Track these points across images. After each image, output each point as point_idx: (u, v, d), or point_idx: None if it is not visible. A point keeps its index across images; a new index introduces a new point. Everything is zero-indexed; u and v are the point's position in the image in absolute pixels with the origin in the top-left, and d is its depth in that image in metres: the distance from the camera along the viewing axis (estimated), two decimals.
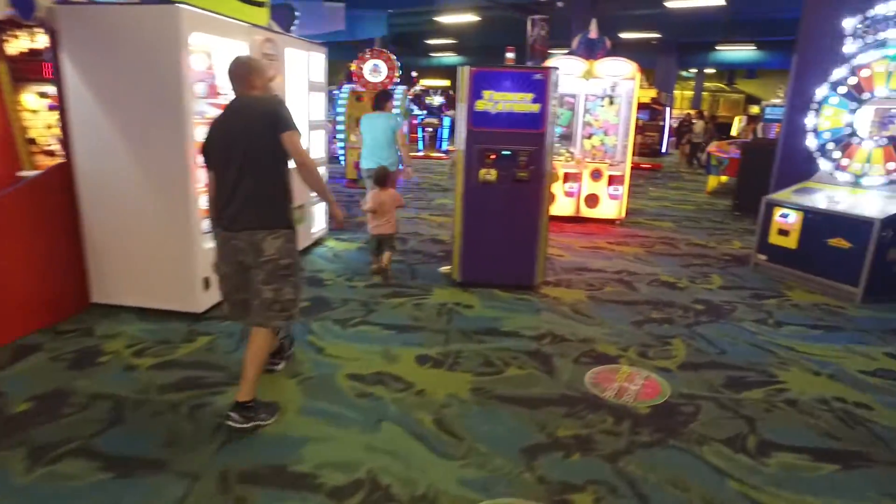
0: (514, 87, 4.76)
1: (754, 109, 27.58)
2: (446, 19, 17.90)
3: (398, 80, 12.00)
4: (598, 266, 6.05)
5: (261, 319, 2.91)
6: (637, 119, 17.10)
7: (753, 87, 30.58)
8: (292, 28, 8.40)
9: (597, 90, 8.07)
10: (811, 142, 6.03)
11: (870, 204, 5.37)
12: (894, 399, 3.46)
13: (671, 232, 7.92)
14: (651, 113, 16.88)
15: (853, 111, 5.69)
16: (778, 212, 5.80)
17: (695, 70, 28.54)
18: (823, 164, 5.94)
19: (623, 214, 8.12)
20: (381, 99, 6.33)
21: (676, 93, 30.61)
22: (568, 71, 7.81)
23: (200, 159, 3.10)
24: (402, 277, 5.48)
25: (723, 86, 32.14)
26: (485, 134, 4.84)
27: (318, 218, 6.80)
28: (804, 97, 6.22)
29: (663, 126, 16.36)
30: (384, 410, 3.14)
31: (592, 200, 8.06)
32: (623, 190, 7.99)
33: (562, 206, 8.14)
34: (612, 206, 8.06)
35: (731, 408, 3.27)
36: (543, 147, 4.86)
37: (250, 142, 2.76)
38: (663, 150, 16.38)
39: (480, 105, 4.80)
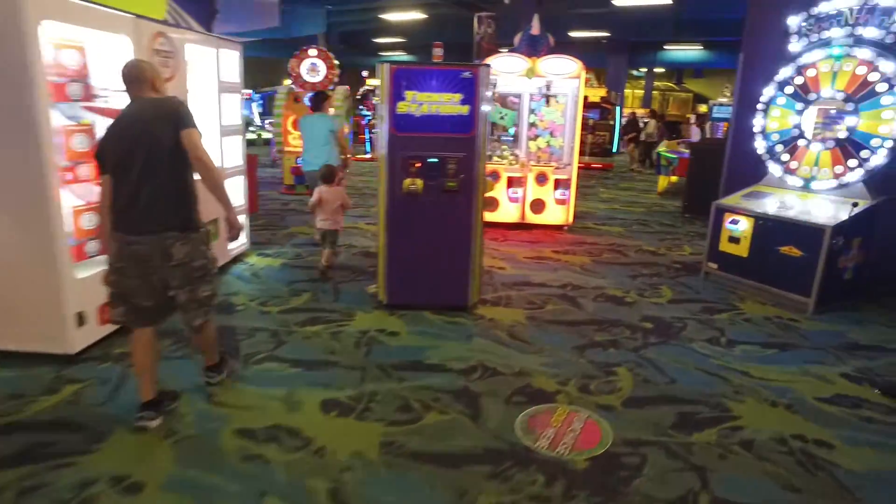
0: (440, 87, 4.25)
1: (702, 108, 27.97)
2: (392, 17, 17.33)
3: (336, 80, 11.38)
4: (541, 279, 5.61)
5: (188, 322, 2.98)
6: (588, 118, 17.09)
7: (701, 87, 31.06)
8: (214, 23, 7.72)
9: (542, 89, 7.66)
10: (760, 144, 5.74)
11: (820, 209, 5.08)
12: (854, 433, 3.11)
13: (620, 237, 7.57)
14: (601, 112, 16.71)
15: (800, 112, 5.41)
16: (728, 218, 5.48)
17: (645, 69, 28.73)
18: (773, 168, 5.65)
19: (571, 220, 7.73)
20: (318, 100, 6.38)
21: (628, 92, 30.81)
22: (510, 69, 7.38)
23: (87, 169, 3.12)
24: (323, 299, 4.92)
25: (672, 85, 32.54)
26: (408, 140, 4.33)
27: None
28: (751, 97, 5.93)
29: (614, 125, 16.19)
30: (270, 479, 2.59)
31: (538, 206, 7.65)
32: (570, 194, 7.61)
33: (506, 212, 7.71)
34: (558, 212, 7.66)
35: (682, 455, 2.84)
36: (474, 153, 4.37)
37: (152, 144, 2.70)
38: (614, 149, 16.22)
39: (403, 107, 4.27)
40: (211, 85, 5.24)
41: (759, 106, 5.71)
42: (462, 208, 4.46)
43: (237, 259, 5.95)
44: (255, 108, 20.47)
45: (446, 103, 4.27)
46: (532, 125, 8.17)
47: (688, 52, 23.68)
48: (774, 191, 5.59)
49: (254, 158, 9.38)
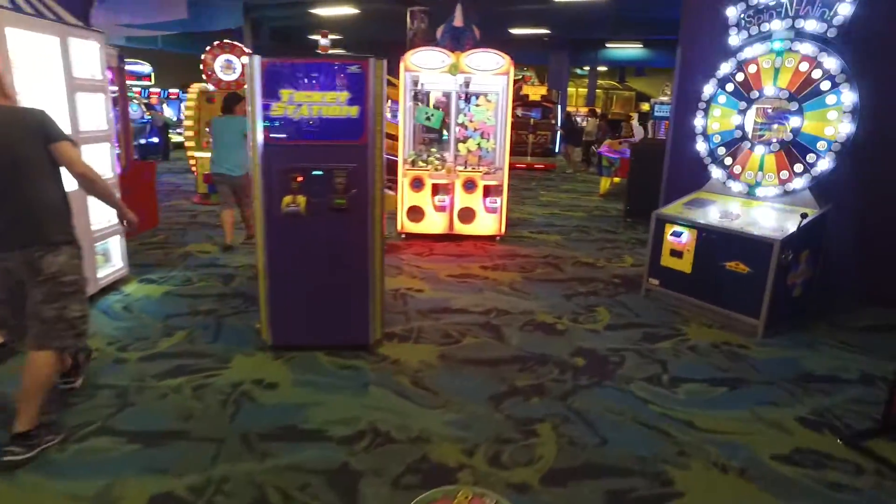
0: (322, 85, 3.49)
1: (645, 107, 28.07)
2: (322, 11, 16.39)
3: None
4: (462, 303, 4.91)
5: (42, 341, 2.70)
6: (530, 118, 16.62)
7: (644, 85, 31.21)
8: (92, 12, 6.72)
9: (470, 87, 6.98)
10: (701, 146, 5.21)
11: (766, 220, 4.57)
12: None
13: (558, 247, 6.97)
14: (543, 111, 16.26)
15: (742, 112, 4.89)
16: (669, 230, 4.91)
17: (588, 68, 28.62)
18: (715, 172, 5.12)
19: (503, 229, 7.08)
20: (231, 101, 6.19)
21: (572, 90, 30.70)
22: (431, 65, 6.66)
23: None
24: (201, 338, 4.09)
25: (615, 84, 32.62)
26: (286, 149, 3.55)
27: (112, 256, 5.25)
28: (691, 96, 5.40)
29: (556, 124, 15.75)
30: None
31: (467, 215, 6.97)
32: (501, 201, 6.95)
33: (432, 222, 7.00)
34: (489, 221, 7.00)
35: None
36: (367, 163, 3.62)
37: (15, 160, 2.57)
38: (556, 149, 15.78)
39: (278, 109, 3.49)
40: (56, 82, 4.31)
41: (700, 105, 5.18)
42: (355, 229, 3.71)
43: (109, 288, 5.02)
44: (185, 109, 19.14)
45: (331, 104, 3.51)
46: (461, 126, 7.51)
47: (629, 50, 23.60)
48: (718, 198, 5.07)
49: (151, 165, 8.38)
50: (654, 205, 8.76)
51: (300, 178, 3.57)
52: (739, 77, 4.90)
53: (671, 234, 4.86)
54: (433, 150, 7.70)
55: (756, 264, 4.33)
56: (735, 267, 4.45)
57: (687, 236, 4.77)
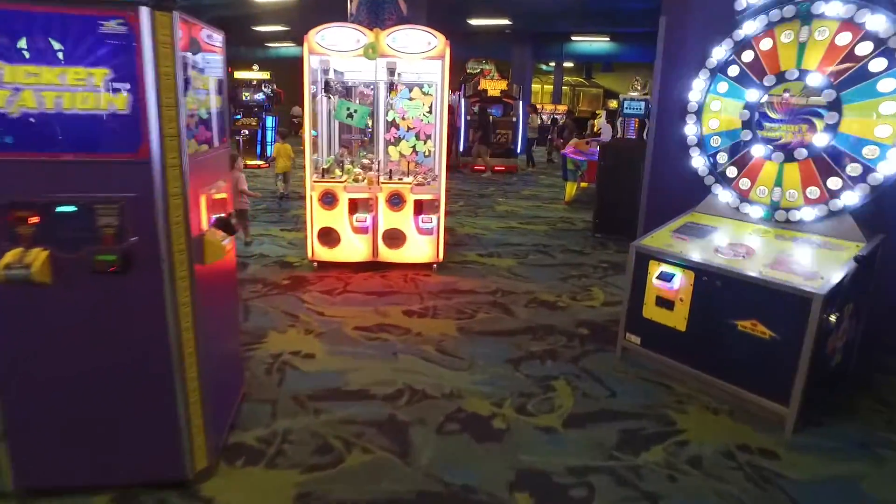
0: (62, 56, 1.96)
1: (613, 104, 26.97)
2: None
3: None
4: (363, 381, 3.42)
5: None
6: (489, 115, 15.19)
7: (611, 82, 30.17)
8: None
9: (399, 75, 5.48)
10: (695, 153, 3.82)
11: (793, 257, 3.20)
12: None
13: (510, 278, 5.53)
14: (504, 108, 14.87)
15: (752, 105, 3.51)
16: (655, 269, 3.50)
17: (553, 64, 27.38)
18: (715, 187, 3.74)
19: (441, 255, 5.61)
20: None
21: (537, 87, 29.49)
22: (342, 45, 5.15)
23: None
24: None
25: (582, 80, 31.49)
26: (3, 167, 2.02)
27: None
28: (678, 84, 4.02)
29: (517, 122, 14.36)
30: None
31: (395, 238, 5.48)
32: (439, 220, 5.48)
33: (351, 248, 5.49)
34: (423, 245, 5.52)
35: None
36: (154, 191, 2.10)
37: None
38: (518, 149, 14.40)
39: None
40: None
41: (692, 97, 3.79)
42: (143, 303, 2.18)
43: None
44: None
45: (76, 88, 1.98)
46: (392, 125, 6.03)
47: (595, 44, 22.40)
48: (719, 222, 3.69)
49: None
50: (627, 217, 7.44)
51: (32, 221, 2.04)
52: (747, 56, 3.52)
53: (658, 277, 3.44)
54: (363, 153, 6.22)
55: (783, 326, 2.95)
56: (751, 328, 3.06)
57: (680, 280, 3.37)
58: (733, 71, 3.59)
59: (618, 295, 5.08)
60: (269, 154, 14.44)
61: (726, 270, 3.16)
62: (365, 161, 6.06)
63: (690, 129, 3.80)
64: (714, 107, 3.70)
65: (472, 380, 3.46)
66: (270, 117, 15.36)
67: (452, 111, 14.61)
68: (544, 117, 24.60)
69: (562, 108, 24.36)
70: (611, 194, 7.21)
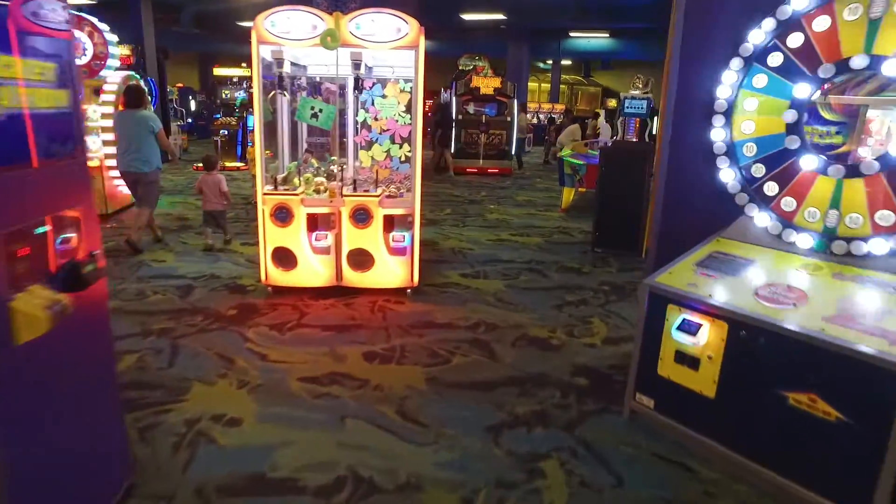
0: None
1: (612, 103, 26.17)
2: None
3: (128, 64, 7.99)
4: (293, 464, 2.62)
5: None
6: (483, 115, 14.40)
7: (610, 80, 29.39)
8: None
9: (366, 67, 4.67)
10: (723, 164, 3.03)
11: (865, 309, 2.41)
12: None
13: (497, 305, 4.74)
14: (498, 106, 14.06)
15: (800, 103, 2.72)
16: (675, 315, 2.70)
17: (551, 62, 26.60)
18: (751, 209, 2.95)
19: (415, 278, 4.81)
20: (135, 94, 6.06)
21: (534, 85, 28.73)
22: (298, 33, 4.35)
23: None
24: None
25: (580, 78, 30.70)
26: None
27: None
28: (699, 84, 3.22)
29: (511, 122, 13.55)
30: None
31: (361, 260, 4.68)
32: (413, 238, 4.69)
33: (310, 271, 4.69)
34: (395, 267, 4.73)
35: None
36: None
37: None
38: (513, 150, 13.59)
39: None
40: None
41: (720, 92, 3.00)
42: None
43: None
44: None
45: None
46: (363, 126, 5.25)
47: (594, 40, 21.61)
48: (754, 253, 2.90)
49: None
50: (630, 230, 6.68)
51: None
52: (795, 40, 2.73)
53: (679, 328, 2.64)
54: (332, 158, 5.44)
55: (855, 407, 2.16)
56: (808, 404, 2.27)
57: (708, 332, 2.57)
58: (775, 60, 2.80)
59: (623, 329, 4.29)
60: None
61: (771, 324, 2.36)
62: (334, 168, 5.29)
63: (718, 134, 3.01)
64: (748, 106, 2.91)
65: (436, 460, 2.66)
66: (252, 116, 14.51)
67: (445, 110, 13.84)
68: (541, 116, 23.87)
69: (559, 106, 23.60)
70: (612, 204, 6.42)
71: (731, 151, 2.99)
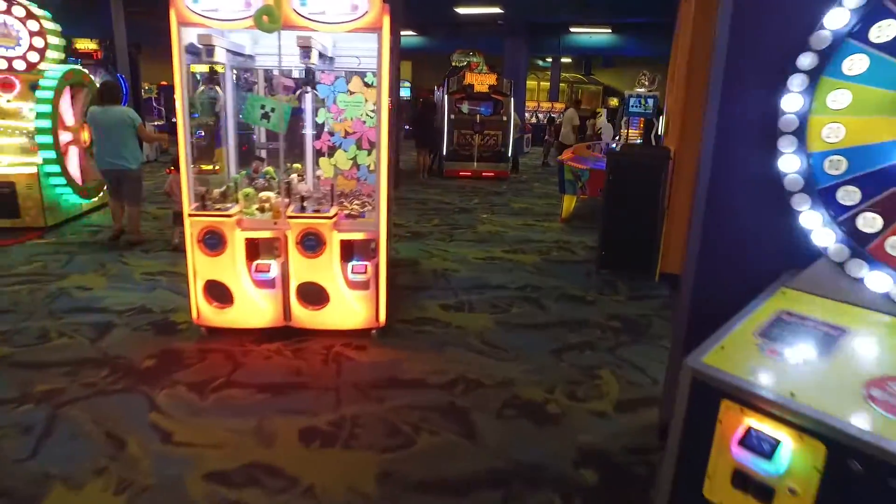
0: None
1: (613, 101, 25.24)
2: None
3: (64, 57, 7.09)
4: None
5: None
6: (477, 114, 13.49)
7: (611, 78, 28.48)
8: None
9: (316, 57, 3.76)
10: (793, 184, 2.11)
11: None
12: None
13: (482, 350, 3.84)
14: (494, 105, 13.15)
15: None
16: (734, 421, 1.78)
17: (550, 59, 25.68)
18: (839, 251, 2.04)
19: (382, 317, 3.89)
20: (112, 90, 6.05)
21: (533, 84, 27.82)
22: (225, 13, 3.44)
23: None
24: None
25: (581, 76, 29.76)
26: None
27: None
28: (752, 97, 2.30)
29: (508, 122, 12.61)
30: None
31: (313, 294, 3.77)
32: (375, 267, 3.77)
33: (250, 308, 3.78)
34: (355, 304, 3.81)
35: None
36: None
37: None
38: (509, 152, 12.65)
39: None
40: None
41: (789, 104, 2.08)
42: None
43: None
44: None
45: None
46: (326, 130, 4.34)
47: (596, 36, 20.68)
48: (846, 317, 1.98)
49: None
50: (642, 249, 5.77)
51: None
52: None
53: (744, 444, 1.72)
54: (295, 165, 4.59)
55: None
56: None
57: (791, 454, 1.65)
58: (882, 33, 1.89)
59: (640, 384, 3.39)
60: None
61: None
62: (295, 177, 4.43)
63: (790, 164, 2.10)
64: (836, 101, 2.00)
65: None
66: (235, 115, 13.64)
67: (435, 109, 12.94)
68: (540, 116, 22.92)
69: (559, 105, 22.68)
70: (621, 218, 5.51)
71: (812, 163, 2.08)
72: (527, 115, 20.56)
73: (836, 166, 2.03)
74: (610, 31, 20.07)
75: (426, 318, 4.33)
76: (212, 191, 3.93)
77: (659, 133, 11.68)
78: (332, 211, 3.66)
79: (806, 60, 2.01)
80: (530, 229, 7.55)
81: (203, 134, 4.92)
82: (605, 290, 5.12)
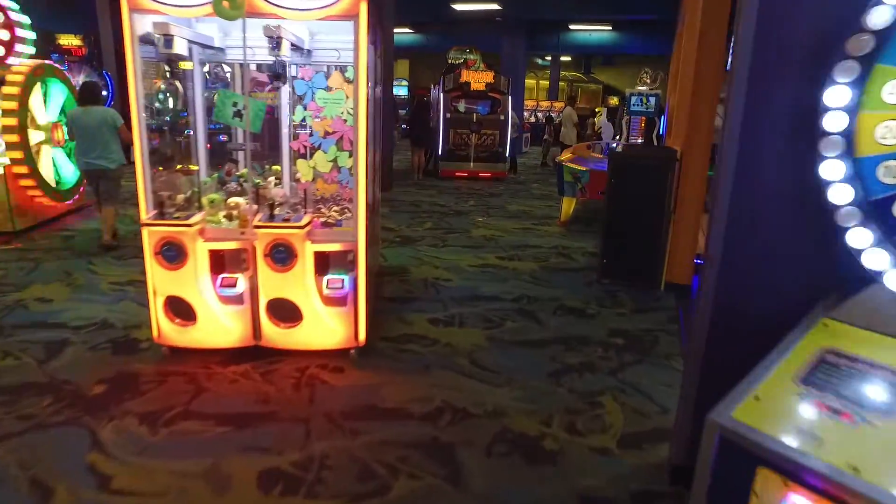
0: None
1: (613, 100, 24.87)
2: None
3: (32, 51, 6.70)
4: None
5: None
6: (474, 113, 13.11)
7: (611, 77, 28.11)
8: None
9: (285, 47, 3.39)
10: (839, 196, 1.75)
11: None
12: None
13: (471, 373, 3.48)
14: (491, 104, 12.78)
15: None
16: (775, 492, 1.42)
17: (549, 58, 25.31)
18: (892, 273, 1.68)
19: (361, 335, 3.52)
20: (92, 90, 5.93)
21: (531, 82, 27.45)
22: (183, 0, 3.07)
23: None
24: None
25: (580, 75, 29.38)
26: None
27: None
28: (785, 64, 1.94)
29: (505, 121, 12.24)
30: None
31: (285, 311, 3.40)
32: (354, 280, 3.40)
33: (215, 326, 3.41)
34: (332, 322, 3.44)
35: None
36: None
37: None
38: (507, 152, 12.28)
39: None
40: None
41: (842, 71, 1.71)
42: None
43: None
44: None
45: None
46: (303, 129, 3.98)
47: (596, 33, 20.31)
48: None
49: None
50: (646, 258, 5.38)
51: None
52: None
53: None
54: (275, 167, 4.24)
55: None
56: None
57: None
58: None
59: (647, 414, 3.03)
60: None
61: None
62: (273, 180, 4.09)
63: (834, 170, 1.73)
64: (891, 94, 1.64)
65: None
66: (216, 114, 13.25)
67: (430, 108, 12.59)
68: (539, 115, 22.54)
69: (558, 104, 22.29)
70: (624, 224, 5.15)
71: (855, 176, 1.72)
72: (525, 114, 20.18)
73: (894, 173, 1.66)
74: (610, 28, 19.71)
75: (412, 335, 3.96)
76: (175, 196, 3.57)
77: (662, 133, 11.33)
78: (305, 219, 3.29)
79: (858, 44, 1.65)
80: (528, 234, 7.18)
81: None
82: (606, 302, 4.76)
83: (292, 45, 3.60)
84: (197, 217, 3.32)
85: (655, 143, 11.38)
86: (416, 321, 4.21)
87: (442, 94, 12.09)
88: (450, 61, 14.17)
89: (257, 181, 4.20)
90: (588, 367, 3.59)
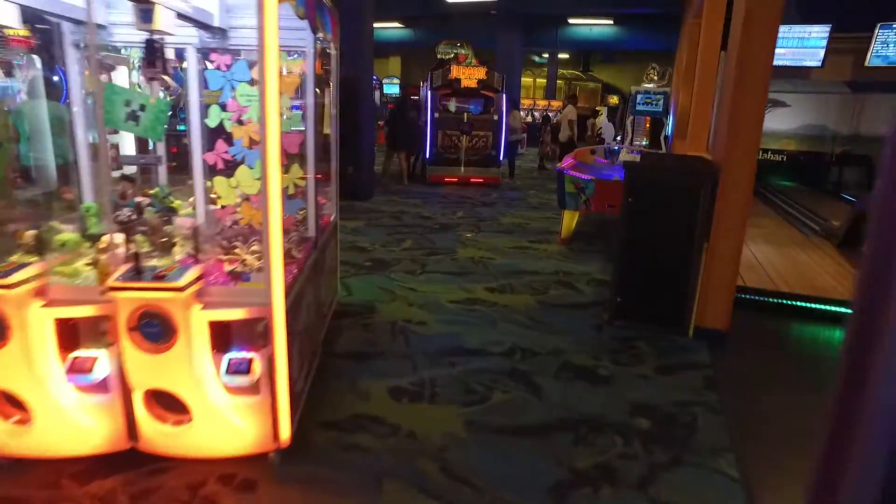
0: None
1: (613, 99, 23.83)
2: None
3: None
4: None
5: None
6: (465, 112, 12.04)
7: (611, 75, 27.07)
8: None
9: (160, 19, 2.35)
10: None
11: None
12: None
13: (439, 484, 2.46)
14: (484, 103, 11.73)
15: None
16: None
17: (546, 55, 24.25)
18: None
19: (285, 433, 2.46)
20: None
21: (528, 80, 26.42)
22: None
23: None
24: None
25: (579, 73, 28.33)
26: None
27: None
28: None
29: (500, 122, 11.17)
30: None
31: (166, 406, 2.34)
32: (269, 360, 2.34)
33: (63, 427, 2.35)
34: (238, 418, 2.38)
35: None
36: None
37: None
38: (501, 156, 11.22)
39: None
40: None
41: None
42: None
43: None
44: None
45: None
46: (222, 134, 2.96)
47: (596, 28, 19.27)
48: None
49: None
50: (672, 296, 4.18)
51: None
52: None
53: None
54: (166, 190, 3.25)
55: None
56: None
57: None
58: None
59: None
60: None
61: None
62: (190, 205, 3.10)
63: None
64: None
65: None
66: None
67: (413, 107, 11.54)
68: (536, 114, 21.50)
69: (556, 103, 21.24)
70: (643, 252, 4.10)
71: None
72: (522, 113, 19.12)
73: None
74: (612, 22, 18.66)
75: (365, 418, 2.91)
76: (22, 233, 2.51)
77: (668, 135, 10.30)
78: (189, 275, 2.21)
79: None
80: (523, 254, 6.13)
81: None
82: (622, 357, 3.71)
83: (189, 18, 2.55)
84: (36, 268, 2.25)
85: (663, 146, 10.37)
86: (375, 392, 3.16)
87: (430, 92, 11.03)
88: (439, 56, 13.11)
89: (173, 202, 3.21)
90: (605, 473, 2.54)
